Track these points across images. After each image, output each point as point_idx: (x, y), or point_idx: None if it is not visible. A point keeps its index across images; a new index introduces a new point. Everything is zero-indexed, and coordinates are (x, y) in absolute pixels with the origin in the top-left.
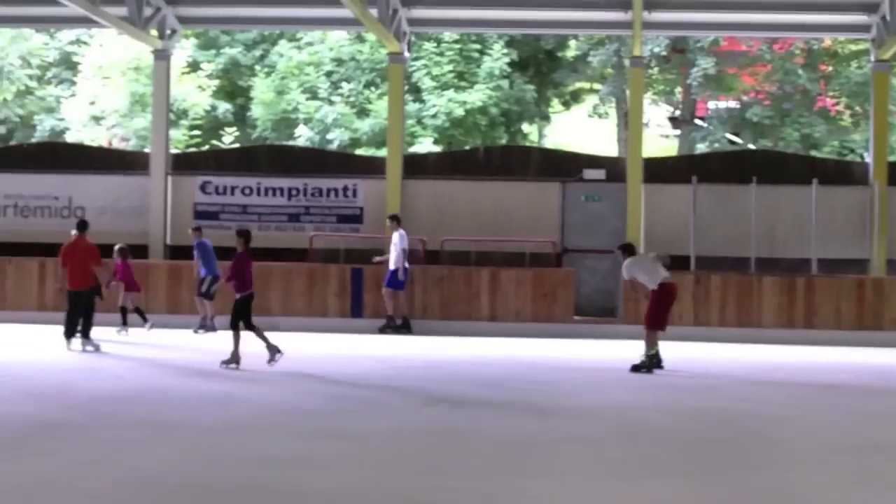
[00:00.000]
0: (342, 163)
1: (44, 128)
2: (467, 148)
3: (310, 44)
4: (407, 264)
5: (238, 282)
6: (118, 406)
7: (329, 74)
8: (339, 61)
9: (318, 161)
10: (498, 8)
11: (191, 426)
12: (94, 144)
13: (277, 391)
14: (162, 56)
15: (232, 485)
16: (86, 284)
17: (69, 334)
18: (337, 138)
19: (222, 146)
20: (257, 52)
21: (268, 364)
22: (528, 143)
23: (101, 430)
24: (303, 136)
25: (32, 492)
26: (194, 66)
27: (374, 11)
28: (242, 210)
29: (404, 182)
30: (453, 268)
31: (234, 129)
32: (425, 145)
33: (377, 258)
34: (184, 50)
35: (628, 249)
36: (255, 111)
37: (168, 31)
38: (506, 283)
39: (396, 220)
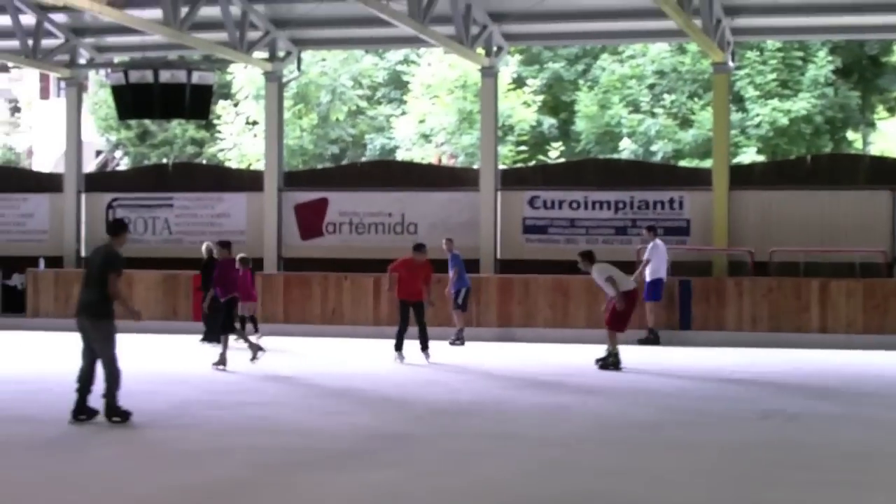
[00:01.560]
0: (667, 175)
1: (374, 146)
2: (794, 157)
3: (632, 57)
4: (663, 275)
5: (221, 287)
6: (456, 418)
7: (651, 87)
8: (660, 73)
9: (643, 173)
10: (822, 14)
11: (529, 438)
12: (424, 162)
13: (613, 403)
14: (489, 73)
15: (572, 496)
16: (416, 297)
17: (399, 347)
18: (660, 150)
19: (549, 161)
20: (580, 67)
21: (213, 365)
22: (854, 151)
23: (441, 442)
24: (626, 149)
25: (379, 502)
26: (519, 83)
27: (697, 22)
28: (570, 224)
29: (731, 193)
30: (782, 279)
31: (559, 143)
32: (749, 155)
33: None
34: (508, 67)
35: (591, 256)
36: (579, 125)
37: (494, 49)
38: (836, 294)
39: (653, 231)
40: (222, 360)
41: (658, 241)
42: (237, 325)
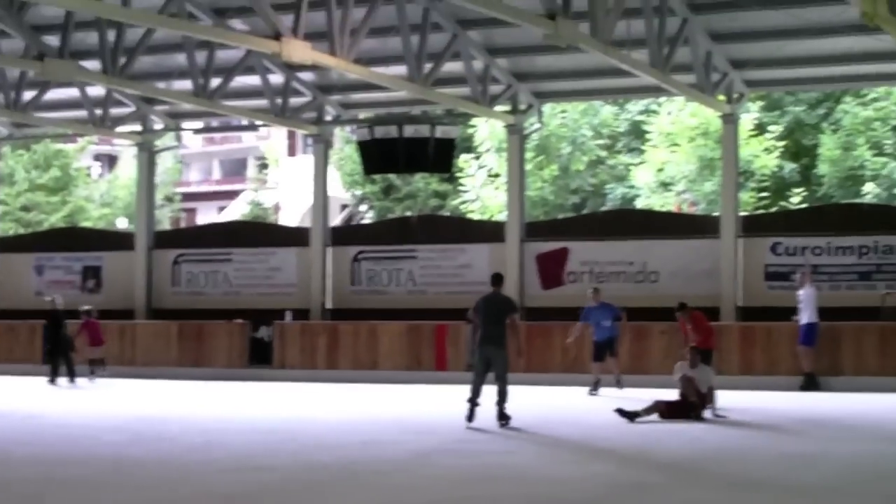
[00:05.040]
0: None
1: (614, 195)
2: None
3: (875, 99)
4: (812, 319)
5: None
6: (698, 466)
7: None
8: None
9: (888, 218)
10: None
11: (770, 486)
12: (664, 210)
13: (855, 451)
14: (729, 120)
15: None
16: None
17: None
18: None
19: (790, 206)
20: (821, 111)
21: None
22: None
23: (682, 490)
24: (870, 193)
25: None
26: (760, 128)
27: None
28: (813, 270)
29: None
30: None
31: (801, 188)
32: None
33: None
34: (749, 113)
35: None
36: (821, 169)
37: (735, 95)
38: None
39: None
40: None
41: (810, 286)
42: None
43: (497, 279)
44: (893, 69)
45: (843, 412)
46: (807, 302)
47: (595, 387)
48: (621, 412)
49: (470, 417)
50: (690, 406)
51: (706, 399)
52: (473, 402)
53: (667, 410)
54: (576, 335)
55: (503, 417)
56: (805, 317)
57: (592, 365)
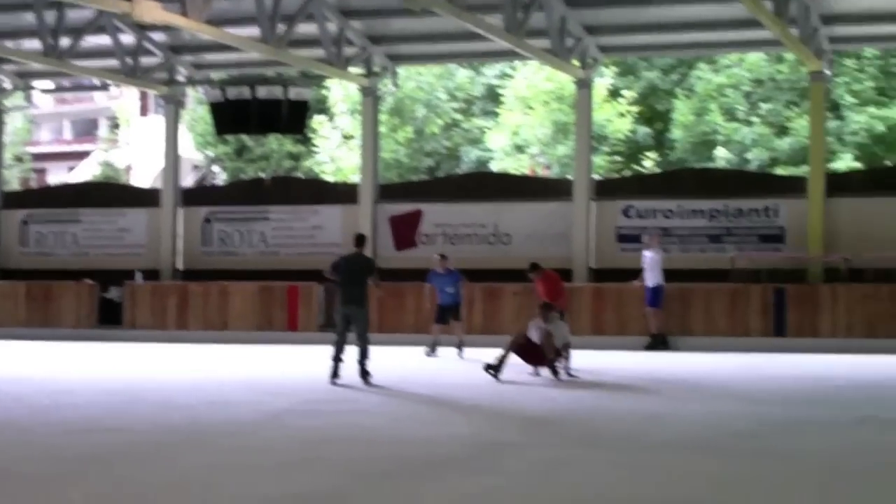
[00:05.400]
0: (762, 183)
1: (469, 159)
2: (890, 164)
3: (728, 66)
4: (658, 282)
5: None
6: (551, 426)
7: (748, 95)
8: (757, 82)
9: (739, 182)
10: None
11: (623, 444)
12: (518, 173)
13: (706, 410)
14: (583, 85)
15: (663, 501)
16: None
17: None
18: (755, 158)
19: (644, 170)
20: (675, 76)
21: None
22: None
23: (534, 450)
24: (721, 158)
25: None
26: (614, 93)
27: (794, 31)
28: (664, 233)
29: (827, 201)
30: (879, 286)
31: (654, 153)
32: (845, 162)
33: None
34: (603, 78)
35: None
36: (675, 134)
37: (589, 61)
38: None
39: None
40: None
41: (655, 248)
42: None
43: (360, 240)
44: (745, 37)
45: (693, 372)
46: (652, 264)
47: (433, 348)
48: (489, 367)
49: (335, 374)
50: (546, 359)
51: (561, 354)
52: (337, 359)
53: (524, 346)
54: (428, 296)
55: (365, 374)
56: (651, 279)
57: (433, 326)
